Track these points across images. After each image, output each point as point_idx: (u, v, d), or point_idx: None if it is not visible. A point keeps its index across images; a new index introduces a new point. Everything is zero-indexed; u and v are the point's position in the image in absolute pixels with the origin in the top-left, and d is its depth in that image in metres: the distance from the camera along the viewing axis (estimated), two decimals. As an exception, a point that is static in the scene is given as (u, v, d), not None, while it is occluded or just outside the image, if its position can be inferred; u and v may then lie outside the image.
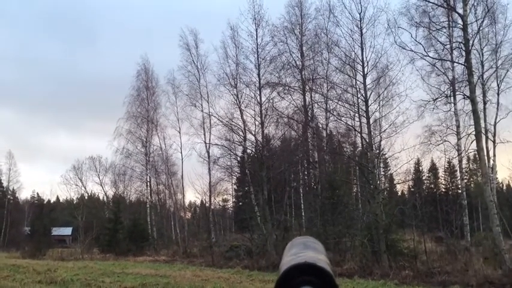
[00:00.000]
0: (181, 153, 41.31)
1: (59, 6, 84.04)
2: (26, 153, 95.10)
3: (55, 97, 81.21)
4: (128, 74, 73.08)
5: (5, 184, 64.36)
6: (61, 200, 75.31)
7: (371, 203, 23.96)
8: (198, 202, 51.49)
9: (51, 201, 72.47)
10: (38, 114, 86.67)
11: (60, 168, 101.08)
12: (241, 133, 34.22)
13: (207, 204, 39.59)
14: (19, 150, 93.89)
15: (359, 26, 24.80)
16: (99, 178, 54.51)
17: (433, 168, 56.58)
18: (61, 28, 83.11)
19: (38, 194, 71.82)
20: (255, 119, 33.53)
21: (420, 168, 49.74)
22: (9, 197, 63.99)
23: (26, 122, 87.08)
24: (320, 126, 36.43)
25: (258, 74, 33.25)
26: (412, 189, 46.73)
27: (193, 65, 38.78)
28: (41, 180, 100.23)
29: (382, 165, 35.41)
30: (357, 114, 25.54)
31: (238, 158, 38.72)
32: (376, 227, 22.42)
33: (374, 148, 25.20)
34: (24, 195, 77.29)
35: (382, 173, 36.31)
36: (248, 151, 36.21)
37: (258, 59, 33.35)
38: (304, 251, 0.94)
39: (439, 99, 26.93)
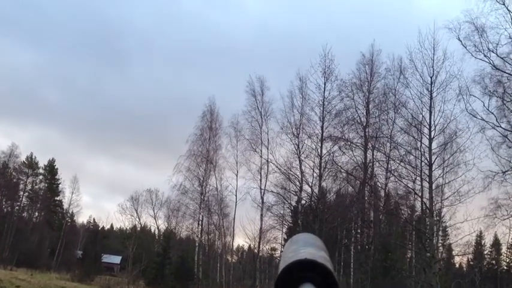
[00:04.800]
0: (236, 196, 41.63)
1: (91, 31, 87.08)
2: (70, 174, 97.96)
3: (90, 120, 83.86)
4: (164, 107, 76.34)
5: (65, 207, 66.99)
6: (114, 228, 77.21)
7: (426, 272, 22.88)
8: (246, 247, 51.06)
9: (105, 228, 74.35)
10: (77, 137, 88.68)
11: (101, 193, 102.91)
12: (297, 183, 34.17)
13: (255, 250, 39.27)
14: (67, 171, 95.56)
15: (429, 89, 24.58)
16: (153, 211, 55.84)
17: (496, 243, 53.23)
18: (92, 52, 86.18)
19: (94, 219, 74.04)
20: (313, 170, 33.45)
21: (482, 241, 47.17)
22: (67, 219, 66.25)
23: (68, 144, 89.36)
24: (379, 185, 35.70)
25: (322, 127, 33.41)
26: (471, 263, 44.23)
27: (257, 111, 39.67)
28: (87, 205, 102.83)
29: (441, 233, 33.87)
30: (418, 178, 24.91)
31: (292, 208, 38.40)
32: (430, 298, 21.30)
33: (434, 214, 24.28)
34: (80, 219, 79.69)
35: (441, 241, 34.62)
36: (303, 202, 35.90)
37: (323, 111, 33.62)
38: (304, 247, 0.94)
39: (509, 171, 25.73)
